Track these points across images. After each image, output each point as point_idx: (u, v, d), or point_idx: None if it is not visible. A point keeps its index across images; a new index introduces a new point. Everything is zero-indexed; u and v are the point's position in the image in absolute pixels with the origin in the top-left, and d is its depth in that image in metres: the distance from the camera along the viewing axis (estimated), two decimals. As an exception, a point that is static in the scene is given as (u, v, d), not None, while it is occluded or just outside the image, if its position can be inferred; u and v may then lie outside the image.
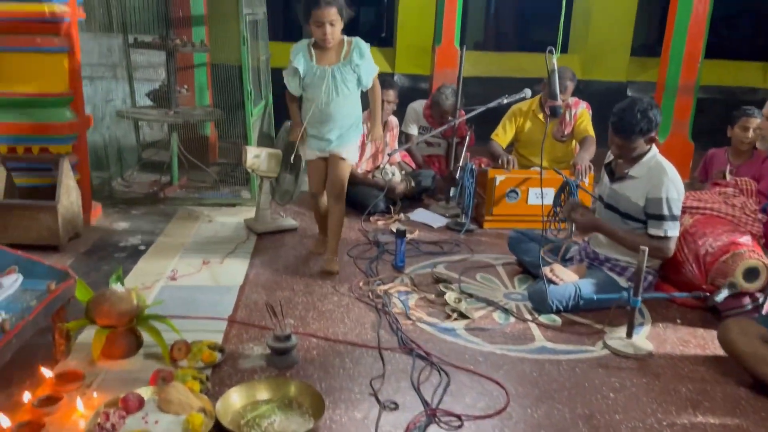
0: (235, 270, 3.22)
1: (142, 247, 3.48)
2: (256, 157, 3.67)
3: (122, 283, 2.43)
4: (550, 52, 2.95)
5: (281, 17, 9.39)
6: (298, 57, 3.02)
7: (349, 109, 3.11)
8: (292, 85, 3.11)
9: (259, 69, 4.76)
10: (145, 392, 2.06)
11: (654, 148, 2.90)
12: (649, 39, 8.32)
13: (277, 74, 5.62)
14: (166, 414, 1.98)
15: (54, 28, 3.39)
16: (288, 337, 2.36)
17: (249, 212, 4.06)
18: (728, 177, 3.44)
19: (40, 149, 3.47)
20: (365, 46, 3.04)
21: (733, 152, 3.97)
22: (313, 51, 3.02)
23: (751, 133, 3.78)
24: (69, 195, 3.35)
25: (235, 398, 2.09)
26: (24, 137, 3.43)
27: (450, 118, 4.50)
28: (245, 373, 2.30)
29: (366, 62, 3.04)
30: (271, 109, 5.15)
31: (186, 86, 4.66)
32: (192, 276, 3.13)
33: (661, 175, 2.82)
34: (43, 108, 3.43)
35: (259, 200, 3.82)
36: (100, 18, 4.25)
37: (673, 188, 2.80)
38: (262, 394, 2.13)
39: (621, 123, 2.79)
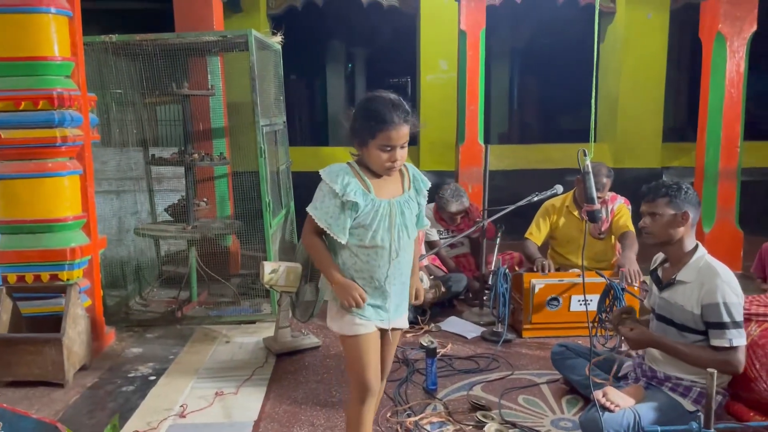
0: (250, 402, 2.94)
1: (153, 377, 3.23)
2: (274, 272, 3.46)
3: (118, 434, 2.17)
4: (584, 153, 2.73)
5: (303, 122, 9.58)
6: (350, 186, 2.06)
7: (411, 258, 2.24)
8: (337, 227, 2.08)
9: (279, 177, 4.66)
10: None
11: (701, 249, 2.60)
12: (681, 123, 8.14)
13: (297, 178, 5.58)
14: None
15: (67, 152, 3.33)
16: (303, 495, 2.04)
17: (269, 329, 3.81)
18: None
19: (50, 276, 3.32)
20: (419, 172, 2.28)
21: None
22: (366, 179, 2.11)
23: None
24: (76, 325, 3.16)
25: None
26: (34, 265, 3.29)
27: (477, 219, 4.28)
28: None
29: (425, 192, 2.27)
30: (293, 216, 5.02)
31: (206, 199, 4.57)
32: (203, 411, 2.85)
33: (713, 278, 2.50)
34: (54, 233, 3.32)
35: (279, 317, 3.58)
36: (116, 138, 4.25)
37: (730, 291, 2.48)
38: None
39: (647, 188, 2.61)
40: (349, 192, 2.06)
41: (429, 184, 2.25)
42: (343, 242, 2.09)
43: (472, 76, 5.26)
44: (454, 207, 4.46)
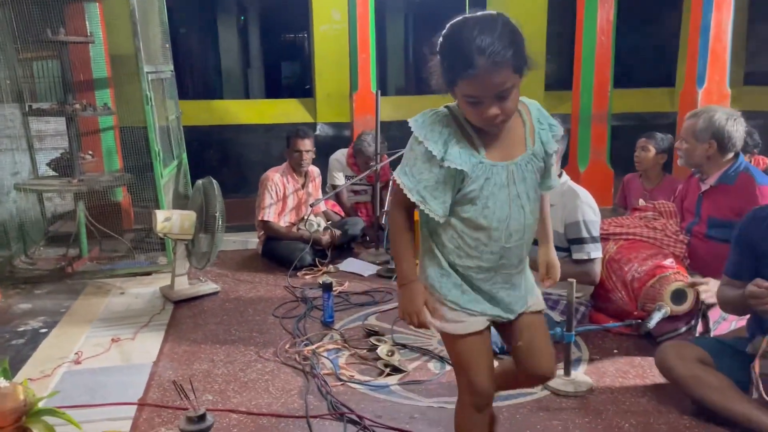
0: (148, 345, 2.96)
1: (44, 330, 3.17)
2: (167, 220, 3.45)
3: (8, 377, 2.15)
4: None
5: (194, 75, 9.29)
6: (453, 146, 1.49)
7: (532, 234, 1.66)
8: (434, 202, 1.52)
9: (169, 129, 4.57)
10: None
11: (564, 176, 2.90)
12: (562, 73, 8.62)
13: (190, 133, 5.48)
14: None
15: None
16: (202, 418, 2.13)
17: (166, 279, 3.80)
18: (641, 202, 3.48)
19: None
20: (546, 112, 1.66)
21: (644, 177, 4.05)
22: (473, 133, 1.52)
23: (641, 154, 3.98)
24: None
25: (140, 497, 1.84)
26: None
27: (372, 163, 4.42)
28: (155, 464, 2.05)
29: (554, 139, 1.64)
30: (186, 169, 4.95)
31: (91, 152, 4.41)
32: (99, 357, 2.85)
33: (574, 199, 2.82)
34: None
35: (174, 265, 3.58)
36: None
37: (589, 210, 2.81)
38: (173, 488, 1.89)
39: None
40: (452, 155, 1.48)
41: (560, 130, 1.65)
42: (441, 220, 1.54)
43: (363, 23, 5.33)
44: (372, 150, 4.56)
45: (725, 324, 2.82)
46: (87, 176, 4.19)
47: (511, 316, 1.67)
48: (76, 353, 2.86)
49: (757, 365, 1.99)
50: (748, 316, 2.28)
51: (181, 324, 3.23)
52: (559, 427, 2.22)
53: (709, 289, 2.66)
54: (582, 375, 2.59)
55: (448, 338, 1.66)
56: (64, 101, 4.05)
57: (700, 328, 2.78)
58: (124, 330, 3.13)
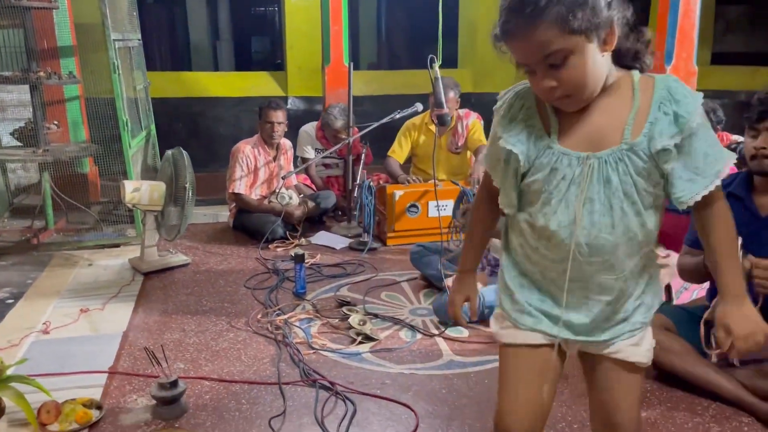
0: (118, 316, 2.93)
1: (10, 301, 3.11)
2: (136, 190, 3.40)
3: (-26, 345, 2.12)
4: (432, 61, 2.92)
5: (162, 46, 9.09)
6: (516, 122, 1.23)
7: (632, 256, 1.24)
8: (502, 188, 1.28)
9: (137, 99, 4.48)
10: (3, 468, 1.78)
11: None
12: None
13: (158, 106, 5.37)
14: (30, 490, 1.72)
15: None
16: (174, 384, 2.13)
17: (135, 251, 3.76)
18: None
19: None
20: (687, 92, 1.17)
21: None
22: (551, 112, 1.22)
23: None
24: None
25: (112, 461, 1.84)
26: None
27: (343, 136, 4.41)
28: (127, 429, 2.05)
29: (702, 134, 1.17)
30: (155, 140, 4.87)
31: (56, 122, 4.30)
32: (68, 327, 2.81)
33: None
34: None
35: (144, 237, 3.54)
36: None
37: None
38: (145, 452, 1.90)
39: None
40: (512, 133, 1.23)
41: (695, 113, 1.13)
42: (505, 209, 1.30)
43: (335, -6, 5.26)
44: (339, 124, 4.54)
45: (687, 294, 2.90)
46: (52, 146, 4.09)
47: (568, 336, 1.28)
48: (44, 323, 2.82)
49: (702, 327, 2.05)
50: (708, 285, 2.35)
51: (151, 295, 3.21)
52: (526, 391, 2.27)
53: (668, 264, 2.72)
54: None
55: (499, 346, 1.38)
56: (28, 69, 3.93)
57: (663, 297, 2.85)
58: (92, 301, 3.10)
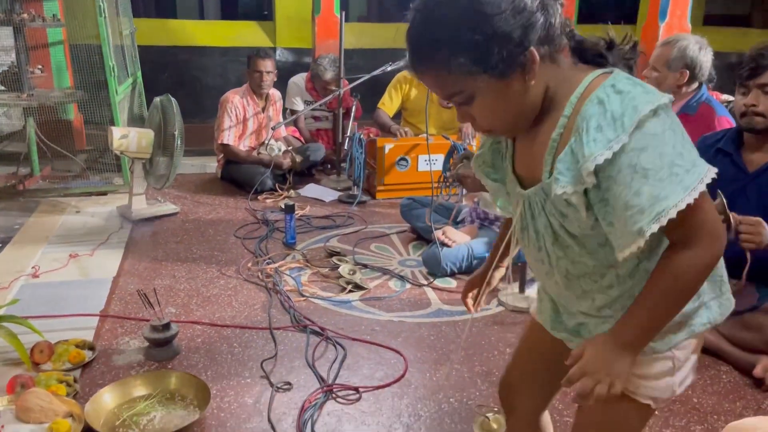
0: (107, 261, 2.94)
1: (-2, 246, 3.11)
2: (124, 137, 3.36)
3: (-35, 285, 2.12)
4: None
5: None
6: (485, 146, 1.18)
7: (590, 282, 1.05)
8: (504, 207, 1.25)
9: (123, 45, 4.38)
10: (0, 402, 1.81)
11: None
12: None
13: (145, 54, 5.24)
14: (26, 424, 1.75)
15: None
16: (167, 326, 2.15)
17: (123, 199, 3.74)
18: None
19: None
20: (610, 115, 0.88)
21: None
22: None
23: None
24: None
25: (107, 398, 1.87)
26: None
27: (334, 88, 4.36)
28: (120, 369, 2.08)
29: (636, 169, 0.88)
30: (141, 88, 4.78)
31: (41, 66, 4.21)
32: (57, 271, 2.82)
33: None
34: None
35: (132, 185, 3.52)
36: None
37: None
38: (139, 390, 1.93)
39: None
40: (484, 147, 1.17)
41: (602, 155, 0.87)
42: (498, 212, 1.30)
43: (327, -58, 5.13)
44: (329, 75, 4.48)
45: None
46: (37, 91, 4.02)
47: (562, 336, 1.19)
48: (33, 267, 2.82)
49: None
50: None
51: (140, 242, 3.21)
52: (512, 339, 2.33)
53: None
54: (535, 293, 2.70)
55: None
56: (11, 10, 3.82)
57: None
58: (81, 247, 3.09)
